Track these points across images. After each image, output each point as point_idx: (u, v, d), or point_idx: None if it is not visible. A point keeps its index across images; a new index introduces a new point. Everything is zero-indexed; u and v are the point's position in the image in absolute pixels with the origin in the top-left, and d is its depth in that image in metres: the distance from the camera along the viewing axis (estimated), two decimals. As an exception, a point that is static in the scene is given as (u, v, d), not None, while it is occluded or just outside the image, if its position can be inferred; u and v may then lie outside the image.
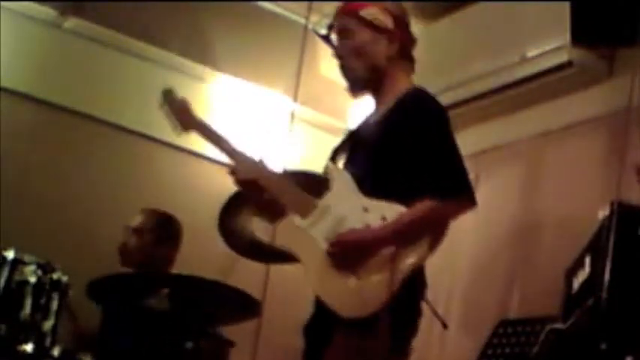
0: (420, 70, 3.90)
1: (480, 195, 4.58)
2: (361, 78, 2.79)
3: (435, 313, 3.80)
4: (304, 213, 2.68)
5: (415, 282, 2.61)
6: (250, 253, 3.31)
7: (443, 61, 4.41)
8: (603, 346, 2.42)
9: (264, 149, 5.10)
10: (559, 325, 2.87)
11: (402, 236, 2.55)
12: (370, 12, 2.78)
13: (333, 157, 2.86)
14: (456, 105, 4.35)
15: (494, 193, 4.34)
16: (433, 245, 3.76)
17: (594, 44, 3.79)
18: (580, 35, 3.72)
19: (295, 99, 4.78)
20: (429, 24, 4.56)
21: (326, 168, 2.82)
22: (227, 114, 5.08)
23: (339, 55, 2.82)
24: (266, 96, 5.11)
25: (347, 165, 2.81)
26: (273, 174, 2.82)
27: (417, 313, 2.67)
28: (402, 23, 2.81)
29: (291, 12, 4.73)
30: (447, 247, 3.76)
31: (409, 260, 2.54)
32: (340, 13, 2.84)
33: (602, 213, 2.65)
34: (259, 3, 4.75)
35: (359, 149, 2.78)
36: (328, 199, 2.70)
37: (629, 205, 2.65)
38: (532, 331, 3.33)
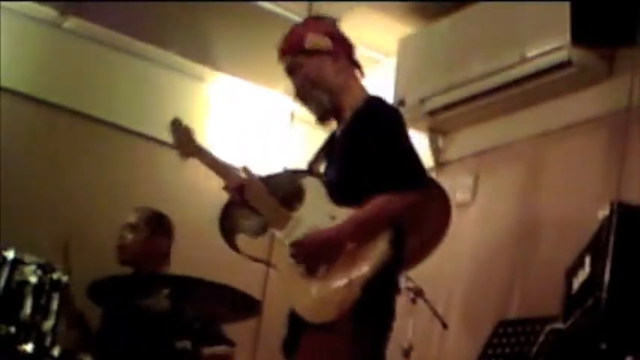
0: (420, 70, 3.94)
1: (480, 195, 4.61)
2: (325, 104, 2.88)
3: (435, 313, 3.81)
4: (281, 226, 2.78)
5: (383, 284, 2.62)
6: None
7: (443, 61, 4.41)
8: (603, 346, 2.42)
9: (264, 149, 5.11)
10: (559, 325, 2.87)
11: (359, 232, 2.61)
12: (311, 41, 2.88)
13: (310, 169, 2.96)
14: (456, 105, 4.36)
15: (494, 193, 4.34)
16: (432, 246, 3.78)
17: (594, 44, 3.79)
18: (580, 35, 3.72)
19: (295, 99, 4.77)
20: (429, 24, 4.56)
21: (301, 180, 2.90)
22: (227, 114, 5.09)
23: (297, 91, 2.91)
24: (266, 96, 5.11)
25: (325, 175, 2.91)
26: (256, 191, 2.91)
27: (384, 315, 2.67)
28: (337, 36, 2.91)
29: (291, 12, 4.72)
30: (447, 247, 3.79)
31: (368, 262, 2.57)
32: (284, 54, 2.93)
33: (602, 213, 2.65)
34: (259, 3, 4.75)
35: (331, 160, 2.90)
36: (301, 210, 2.80)
37: (629, 205, 2.65)
38: (532, 331, 3.32)
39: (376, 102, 2.84)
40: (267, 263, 2.87)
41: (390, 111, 2.83)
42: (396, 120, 2.78)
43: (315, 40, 2.87)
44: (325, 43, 2.86)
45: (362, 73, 2.94)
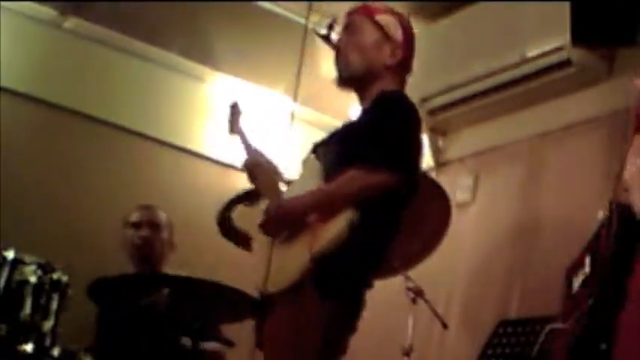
0: (420, 70, 3.92)
1: (480, 195, 4.62)
2: (353, 73, 2.84)
3: (435, 314, 3.81)
4: (273, 201, 2.78)
5: (341, 264, 2.53)
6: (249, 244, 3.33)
7: (443, 61, 4.41)
8: (603, 346, 2.41)
9: (264, 149, 5.11)
10: (559, 325, 2.87)
11: (319, 205, 2.57)
12: (385, 19, 2.85)
13: (314, 150, 2.95)
14: (456, 105, 4.36)
15: (494, 193, 4.34)
16: (432, 246, 3.78)
17: (594, 44, 3.79)
18: (580, 35, 3.72)
19: (295, 99, 4.78)
20: (429, 24, 4.56)
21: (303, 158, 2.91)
22: (227, 114, 5.08)
23: (340, 46, 2.86)
24: (266, 96, 5.11)
25: (323, 158, 2.86)
26: (265, 171, 2.98)
27: (348, 295, 2.59)
28: (409, 39, 2.87)
29: (291, 12, 4.73)
30: (447, 247, 3.79)
31: (323, 238, 2.52)
32: (355, 11, 2.89)
33: (602, 213, 2.65)
34: (259, 3, 4.75)
35: (333, 145, 2.87)
36: (293, 185, 2.84)
37: (629, 205, 2.65)
38: (532, 331, 3.33)
39: (390, 94, 2.77)
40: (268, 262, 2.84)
41: (397, 101, 2.74)
42: (400, 109, 2.69)
43: (387, 19, 2.83)
44: (395, 30, 2.82)
45: (405, 83, 2.88)
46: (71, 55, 4.70)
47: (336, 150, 2.77)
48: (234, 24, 4.81)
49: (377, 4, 2.89)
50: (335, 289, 2.53)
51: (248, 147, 3.26)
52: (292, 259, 2.57)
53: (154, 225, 4.00)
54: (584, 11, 3.68)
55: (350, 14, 2.89)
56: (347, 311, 2.59)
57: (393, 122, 2.62)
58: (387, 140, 2.57)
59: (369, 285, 2.65)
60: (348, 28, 2.87)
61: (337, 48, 2.86)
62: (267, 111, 5.14)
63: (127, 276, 3.79)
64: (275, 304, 2.60)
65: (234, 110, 3.29)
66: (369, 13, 2.85)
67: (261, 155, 3.14)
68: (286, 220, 2.65)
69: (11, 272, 3.07)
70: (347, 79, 2.86)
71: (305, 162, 2.88)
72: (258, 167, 3.01)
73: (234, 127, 3.26)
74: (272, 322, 2.61)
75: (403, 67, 2.86)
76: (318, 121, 5.28)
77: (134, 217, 4.03)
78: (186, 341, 3.28)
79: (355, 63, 2.82)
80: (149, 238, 3.96)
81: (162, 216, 4.07)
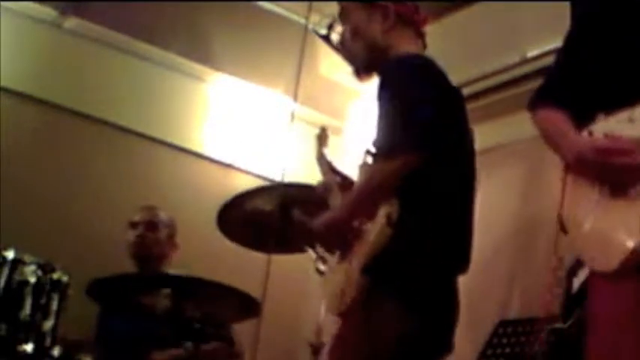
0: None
1: (480, 195, 4.59)
2: (361, 58, 2.73)
3: None
4: None
5: (394, 265, 2.41)
6: (252, 243, 3.34)
7: (443, 61, 4.40)
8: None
9: (264, 149, 5.11)
10: (559, 325, 2.87)
11: (356, 209, 2.49)
12: None
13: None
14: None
15: (494, 193, 4.34)
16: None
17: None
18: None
19: (295, 99, 4.78)
20: (429, 24, 4.55)
21: None
22: (227, 114, 5.09)
23: (341, 42, 2.78)
24: (266, 96, 5.11)
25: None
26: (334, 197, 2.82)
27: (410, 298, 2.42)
28: None
29: (291, 12, 4.73)
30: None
31: (366, 245, 2.44)
32: (340, 1, 2.80)
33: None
34: (259, 3, 4.75)
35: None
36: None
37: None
38: (532, 331, 3.32)
39: (392, 60, 2.63)
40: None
41: (399, 65, 2.59)
42: (401, 72, 2.54)
43: None
44: None
45: (418, 35, 2.74)
46: (71, 55, 4.70)
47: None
48: (234, 24, 4.81)
49: None
50: (398, 288, 2.40)
51: (327, 174, 3.03)
52: (339, 281, 2.51)
53: (152, 225, 4.00)
54: (584, 11, 3.68)
55: (339, 5, 2.80)
56: (422, 309, 2.43)
57: (393, 100, 2.47)
58: (393, 122, 2.45)
59: (436, 277, 2.48)
60: (341, 20, 2.78)
61: (341, 45, 2.79)
62: (267, 111, 5.15)
63: (128, 276, 3.79)
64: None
65: (322, 136, 3.19)
66: None
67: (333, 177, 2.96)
68: (330, 234, 2.57)
69: (11, 272, 3.06)
70: (360, 69, 2.77)
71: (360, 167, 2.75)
72: (330, 193, 2.86)
73: (319, 153, 3.14)
74: (337, 338, 2.54)
75: (405, 22, 2.71)
76: (318, 121, 5.28)
77: (134, 217, 4.04)
78: (188, 344, 3.28)
79: (357, 49, 2.72)
80: (145, 238, 3.96)
81: (162, 216, 4.07)
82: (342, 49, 2.80)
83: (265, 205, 3.32)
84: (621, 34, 2.02)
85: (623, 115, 1.92)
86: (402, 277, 2.40)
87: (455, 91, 2.67)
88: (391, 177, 2.41)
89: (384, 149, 2.46)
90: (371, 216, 2.43)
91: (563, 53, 2.18)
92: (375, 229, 2.41)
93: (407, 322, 2.38)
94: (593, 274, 1.98)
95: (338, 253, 2.60)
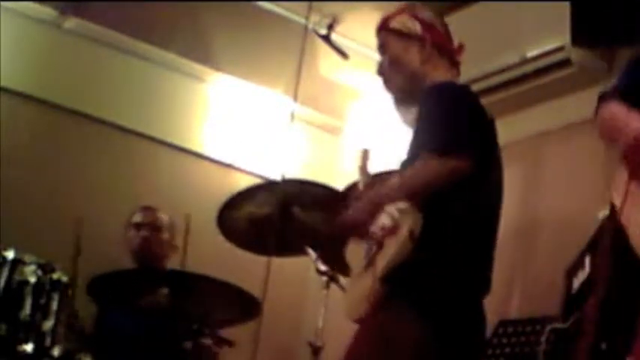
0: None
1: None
2: (401, 89, 2.80)
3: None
4: None
5: (415, 276, 2.45)
6: (251, 246, 3.34)
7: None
8: (603, 346, 2.41)
9: (264, 149, 5.11)
10: (559, 325, 2.87)
11: (372, 211, 2.52)
12: (398, 21, 2.83)
13: None
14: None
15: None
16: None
17: (594, 44, 3.79)
18: (580, 35, 3.72)
19: (295, 99, 4.78)
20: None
21: None
22: (227, 114, 5.09)
23: (380, 72, 2.84)
24: (266, 96, 5.11)
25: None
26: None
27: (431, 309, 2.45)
28: (430, 25, 2.83)
29: (291, 12, 4.73)
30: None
31: (388, 253, 2.47)
32: (377, 30, 2.88)
33: (602, 213, 2.65)
34: (259, 3, 4.75)
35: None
36: None
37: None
38: (532, 331, 3.32)
39: (435, 84, 2.71)
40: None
41: (443, 87, 2.68)
42: (445, 94, 2.63)
43: (402, 21, 2.81)
44: (413, 26, 2.79)
45: (454, 64, 2.83)
46: (71, 55, 4.69)
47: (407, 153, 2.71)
48: (234, 24, 4.81)
49: (390, 12, 2.87)
50: (416, 298, 2.43)
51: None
52: (361, 286, 2.54)
53: (155, 226, 4.02)
54: (584, 11, 3.68)
55: (376, 35, 2.88)
56: (439, 320, 2.44)
57: (443, 108, 2.57)
58: (445, 127, 2.51)
59: (455, 290, 2.49)
60: (380, 49, 2.86)
61: (380, 74, 2.84)
62: (267, 111, 5.14)
63: (128, 273, 3.80)
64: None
65: (365, 156, 3.20)
66: (384, 25, 2.85)
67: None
68: (349, 233, 2.61)
69: (11, 272, 3.07)
70: (400, 99, 2.82)
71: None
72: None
73: (362, 172, 3.15)
74: (353, 344, 2.53)
75: (440, 52, 2.81)
76: (318, 121, 5.29)
77: (136, 218, 4.05)
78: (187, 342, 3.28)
79: (396, 80, 2.79)
80: (149, 239, 3.98)
81: (164, 218, 4.08)
82: (381, 78, 2.85)
83: (265, 205, 3.33)
84: None
85: None
86: (420, 287, 2.45)
87: (488, 117, 2.76)
88: (448, 175, 2.45)
89: (437, 146, 2.47)
90: (394, 230, 2.46)
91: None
92: (397, 241, 2.45)
93: (423, 331, 2.41)
94: None
95: (364, 260, 2.61)
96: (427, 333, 2.40)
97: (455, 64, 2.86)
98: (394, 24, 2.82)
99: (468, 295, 2.54)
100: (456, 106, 2.59)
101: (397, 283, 2.44)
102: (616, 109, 2.12)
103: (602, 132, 2.23)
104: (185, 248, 3.55)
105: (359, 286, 2.58)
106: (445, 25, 2.89)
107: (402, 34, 2.79)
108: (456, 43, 2.89)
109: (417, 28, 2.79)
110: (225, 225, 3.38)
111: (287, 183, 3.50)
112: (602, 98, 2.23)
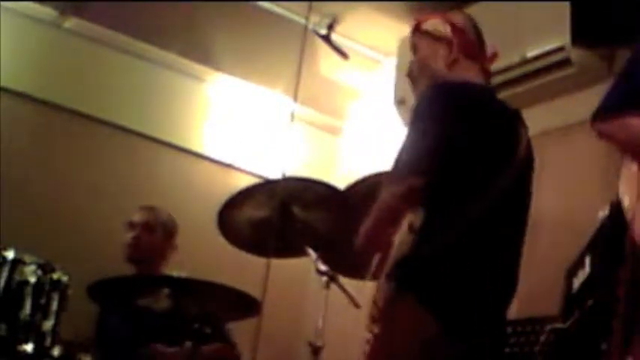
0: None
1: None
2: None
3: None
4: None
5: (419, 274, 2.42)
6: (251, 247, 3.33)
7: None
8: (603, 346, 2.42)
9: (264, 149, 5.11)
10: (559, 325, 2.87)
11: (376, 231, 2.50)
12: (429, 24, 2.81)
13: None
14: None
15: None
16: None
17: (594, 44, 3.79)
18: (580, 35, 3.72)
19: (295, 99, 4.78)
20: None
21: None
22: (227, 114, 5.09)
23: (409, 74, 2.83)
24: (266, 96, 5.11)
25: None
26: None
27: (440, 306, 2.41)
28: (459, 29, 2.81)
29: (291, 12, 4.73)
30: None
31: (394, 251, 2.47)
32: (411, 31, 2.87)
33: (602, 213, 2.65)
34: (259, 3, 4.75)
35: None
36: None
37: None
38: (532, 331, 3.32)
39: (429, 87, 2.68)
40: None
41: (430, 90, 2.64)
42: (428, 98, 2.59)
43: (434, 23, 2.80)
44: (443, 29, 2.77)
45: (482, 66, 2.80)
46: (71, 55, 4.70)
47: None
48: (234, 24, 4.81)
49: (425, 15, 2.86)
50: (422, 293, 2.39)
51: None
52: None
53: (148, 226, 3.98)
54: (584, 11, 3.68)
55: (410, 36, 2.87)
56: (447, 316, 2.40)
57: (412, 124, 2.55)
58: (405, 146, 2.52)
59: (464, 286, 2.44)
60: (412, 51, 2.84)
61: (409, 75, 2.83)
62: (267, 111, 5.15)
63: (128, 277, 3.79)
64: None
65: None
66: (417, 27, 2.83)
67: None
68: (364, 247, 2.57)
69: (11, 272, 3.06)
70: None
71: None
72: None
73: None
74: (371, 345, 2.48)
75: (469, 57, 2.78)
76: (318, 121, 5.29)
77: (133, 218, 4.03)
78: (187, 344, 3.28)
79: (423, 81, 2.76)
80: (140, 239, 3.95)
81: (158, 217, 4.03)
82: (409, 80, 2.83)
83: (265, 205, 3.32)
84: None
85: None
86: (428, 283, 2.41)
87: (495, 115, 2.69)
88: (397, 200, 2.46)
89: (392, 172, 2.50)
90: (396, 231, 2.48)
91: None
92: (398, 238, 2.46)
93: (431, 327, 2.37)
94: None
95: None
96: (436, 329, 2.37)
97: (485, 71, 2.82)
98: (426, 26, 2.81)
99: (478, 293, 2.49)
100: (429, 116, 2.54)
101: (402, 280, 2.41)
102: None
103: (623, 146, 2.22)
104: None
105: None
106: (479, 33, 2.86)
107: (432, 37, 2.78)
108: (490, 51, 2.87)
109: (447, 31, 2.78)
110: (225, 227, 3.37)
111: (287, 181, 3.50)
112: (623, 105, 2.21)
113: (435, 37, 2.78)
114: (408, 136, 2.54)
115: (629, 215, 2.15)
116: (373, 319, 2.50)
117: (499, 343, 2.64)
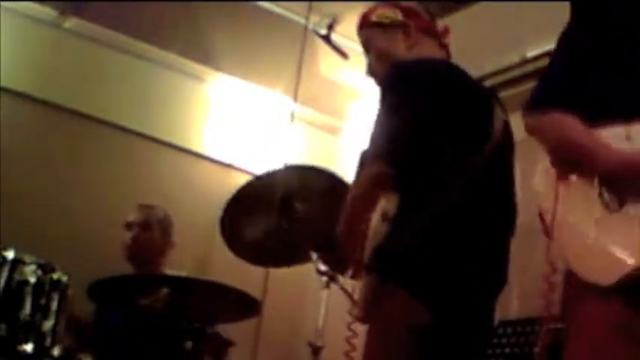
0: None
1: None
2: None
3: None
4: None
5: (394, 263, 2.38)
6: (251, 257, 3.32)
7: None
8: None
9: (264, 149, 5.12)
10: (559, 325, 2.87)
11: (351, 219, 2.49)
12: (378, 14, 2.75)
13: None
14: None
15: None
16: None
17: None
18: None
19: (295, 99, 4.78)
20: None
21: None
22: (227, 114, 5.09)
23: (370, 72, 2.76)
24: (266, 96, 5.11)
25: None
26: None
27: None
28: (410, 11, 2.75)
29: (291, 12, 4.73)
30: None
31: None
32: (358, 30, 2.81)
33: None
34: (259, 3, 4.75)
35: None
36: None
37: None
38: (532, 331, 3.32)
39: (391, 66, 2.62)
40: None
41: (390, 70, 2.58)
42: (389, 77, 2.54)
43: (382, 12, 2.73)
44: (394, 15, 2.71)
45: (442, 40, 2.76)
46: (71, 55, 4.70)
47: None
48: (234, 24, 4.81)
49: (368, 9, 2.79)
50: (403, 280, 2.35)
51: None
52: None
53: (145, 225, 3.98)
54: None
55: (358, 35, 2.81)
56: (431, 300, 2.36)
57: (379, 106, 2.50)
58: (372, 131, 2.48)
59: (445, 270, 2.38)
60: (365, 49, 2.78)
61: (369, 73, 2.76)
62: (267, 111, 5.15)
63: (128, 277, 3.79)
64: None
65: None
66: (365, 22, 2.77)
67: None
68: (342, 236, 2.55)
69: (11, 272, 3.06)
70: None
71: None
72: None
73: None
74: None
75: (427, 35, 2.73)
76: (318, 121, 5.29)
77: (128, 217, 4.03)
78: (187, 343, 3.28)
79: (383, 70, 2.68)
80: (138, 239, 3.95)
81: (157, 215, 4.03)
82: (372, 78, 2.76)
83: (266, 208, 3.31)
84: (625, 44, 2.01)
85: (618, 130, 1.93)
86: (410, 270, 2.37)
87: (467, 93, 2.64)
88: (366, 186, 2.45)
89: (362, 154, 2.49)
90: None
91: (566, 53, 2.14)
92: (372, 228, 2.42)
93: (422, 315, 2.33)
94: (581, 284, 1.98)
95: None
96: (427, 316, 2.33)
97: (443, 46, 2.78)
98: (374, 18, 2.73)
99: (465, 276, 2.43)
100: (391, 97, 2.49)
101: (386, 270, 2.38)
102: (570, 122, 2.07)
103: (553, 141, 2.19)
104: None
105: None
106: (427, 12, 2.81)
107: (385, 26, 2.71)
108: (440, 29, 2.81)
109: (398, 16, 2.72)
110: (229, 238, 3.33)
111: (288, 170, 3.46)
112: (545, 100, 2.16)
113: (389, 25, 2.71)
114: (375, 121, 2.49)
115: (547, 217, 2.13)
116: (354, 317, 2.48)
117: (488, 329, 2.62)
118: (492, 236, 2.56)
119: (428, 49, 2.70)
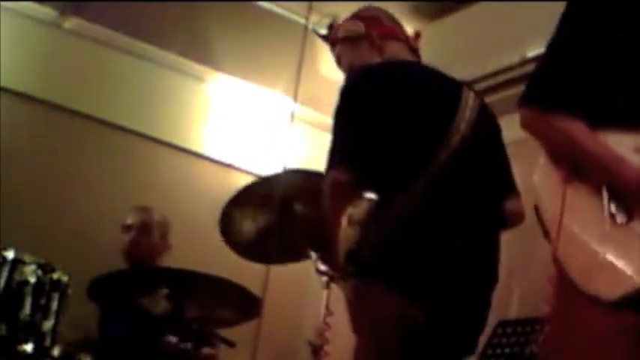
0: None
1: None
2: None
3: None
4: None
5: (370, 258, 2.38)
6: (251, 254, 3.32)
7: (443, 61, 4.38)
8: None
9: (264, 149, 5.11)
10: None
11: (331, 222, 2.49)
12: (343, 29, 2.81)
13: None
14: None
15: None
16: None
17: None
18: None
19: (295, 99, 4.78)
20: (429, 24, 4.56)
21: None
22: (227, 114, 5.09)
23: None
24: (266, 96, 5.11)
25: None
26: None
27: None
28: (372, 18, 2.79)
29: (291, 12, 4.73)
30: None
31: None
32: (330, 49, 2.86)
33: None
34: (259, 3, 4.76)
35: None
36: None
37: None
38: (532, 331, 3.32)
39: (348, 77, 2.69)
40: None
41: (348, 78, 2.65)
42: (343, 94, 2.55)
43: (346, 27, 2.79)
44: (357, 27, 2.77)
45: (410, 44, 2.78)
46: (71, 55, 4.70)
47: None
48: (234, 24, 4.81)
49: (335, 27, 2.85)
50: (383, 278, 2.37)
51: None
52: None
53: (144, 228, 3.99)
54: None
55: (331, 52, 2.86)
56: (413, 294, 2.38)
57: (337, 114, 2.53)
58: (335, 141, 2.53)
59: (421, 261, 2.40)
60: (337, 64, 2.83)
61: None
62: (267, 111, 5.15)
63: (129, 273, 3.80)
64: None
65: None
66: (335, 40, 2.82)
67: None
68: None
69: (11, 272, 3.06)
70: None
71: None
72: None
73: None
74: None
75: (395, 39, 2.76)
76: (318, 121, 5.28)
77: (127, 220, 4.03)
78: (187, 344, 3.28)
79: None
80: (137, 242, 3.96)
81: (155, 217, 4.04)
82: None
83: (266, 209, 3.31)
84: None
85: (627, 140, 1.89)
86: (393, 268, 2.38)
87: (434, 90, 2.64)
88: (328, 196, 2.49)
89: (326, 163, 2.54)
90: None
91: (564, 52, 2.11)
92: (340, 235, 2.41)
93: (411, 310, 2.35)
94: (581, 295, 1.93)
95: None
96: (416, 311, 2.35)
97: (413, 50, 2.81)
98: (339, 34, 2.80)
99: (443, 272, 2.44)
100: (354, 104, 2.51)
101: (368, 271, 2.38)
102: (582, 130, 2.05)
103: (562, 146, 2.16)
104: None
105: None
106: (393, 17, 2.83)
107: (351, 39, 2.77)
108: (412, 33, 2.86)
109: (360, 27, 2.76)
110: (228, 236, 3.34)
111: (287, 174, 3.48)
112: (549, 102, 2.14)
113: (354, 38, 2.77)
114: (333, 128, 2.53)
115: (546, 216, 2.11)
116: (325, 326, 2.48)
117: (479, 326, 2.64)
118: (472, 229, 2.56)
119: (394, 53, 2.74)
